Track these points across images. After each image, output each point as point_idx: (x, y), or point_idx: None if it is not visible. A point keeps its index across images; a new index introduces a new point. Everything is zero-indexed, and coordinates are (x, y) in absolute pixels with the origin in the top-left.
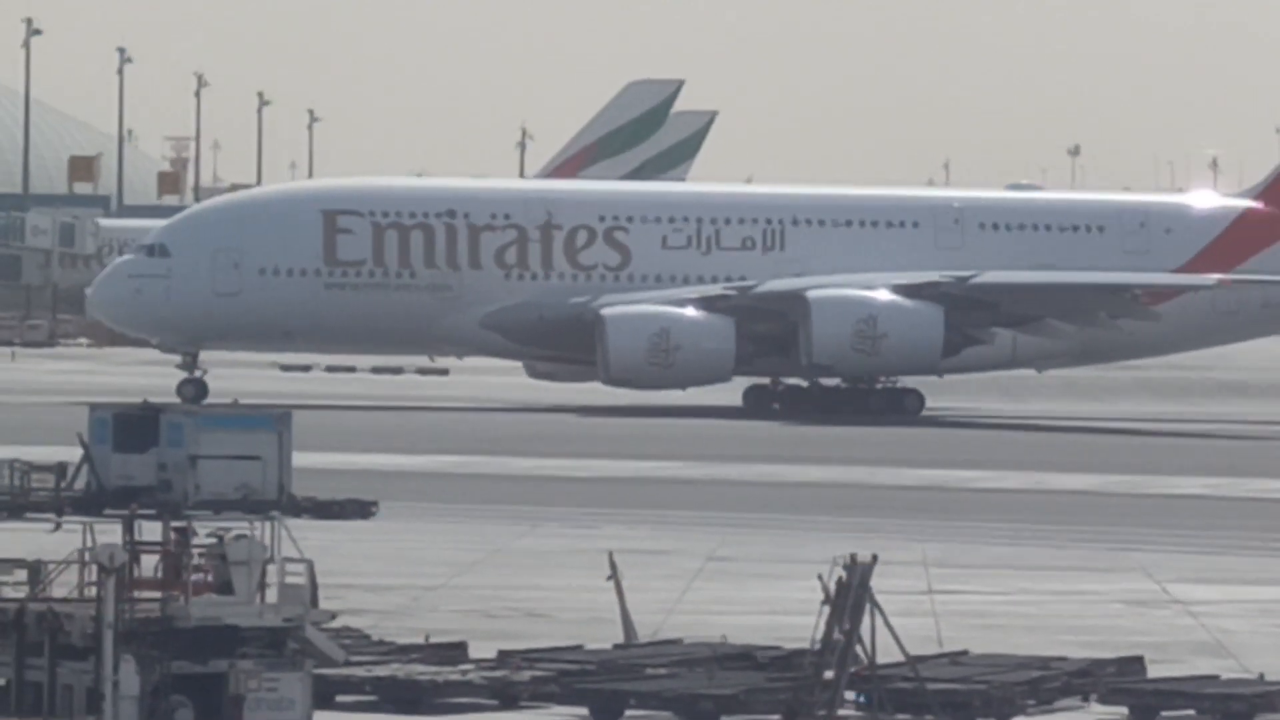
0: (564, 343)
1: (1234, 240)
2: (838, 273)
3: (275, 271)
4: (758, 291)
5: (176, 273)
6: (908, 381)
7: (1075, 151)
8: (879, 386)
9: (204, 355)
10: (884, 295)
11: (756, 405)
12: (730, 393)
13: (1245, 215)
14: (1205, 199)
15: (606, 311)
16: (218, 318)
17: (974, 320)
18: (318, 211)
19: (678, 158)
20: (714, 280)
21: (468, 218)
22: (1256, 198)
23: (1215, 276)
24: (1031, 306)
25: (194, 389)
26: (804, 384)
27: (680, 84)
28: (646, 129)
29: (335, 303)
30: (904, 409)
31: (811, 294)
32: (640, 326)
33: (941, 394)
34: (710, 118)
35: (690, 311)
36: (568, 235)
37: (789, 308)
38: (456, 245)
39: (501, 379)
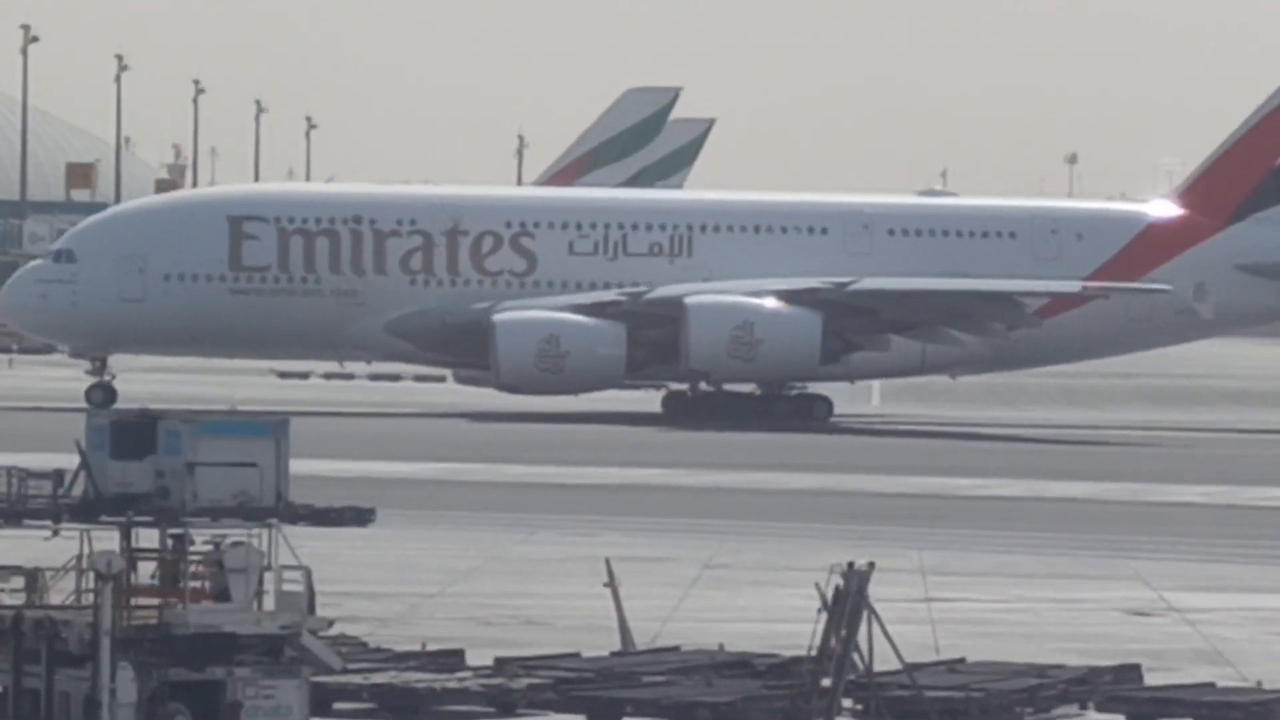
0: (468, 349)
1: (1148, 245)
2: (744, 279)
3: (180, 277)
4: (648, 297)
5: (82, 278)
6: (818, 387)
7: (1073, 159)
8: (792, 393)
9: (202, 362)
10: (761, 301)
11: (676, 412)
12: (650, 400)
13: (1159, 221)
14: (1125, 206)
15: (497, 317)
16: (123, 323)
17: (854, 326)
18: (223, 217)
19: (675, 165)
20: (620, 286)
21: (374, 224)
22: (1172, 203)
23: (1080, 283)
24: (910, 313)
25: (103, 394)
26: (708, 389)
27: (678, 91)
28: (644, 136)
29: (241, 308)
30: (812, 415)
31: (689, 300)
32: (530, 332)
33: (940, 402)
34: (708, 125)
35: (580, 318)
36: (474, 241)
37: (675, 313)
38: (362, 251)
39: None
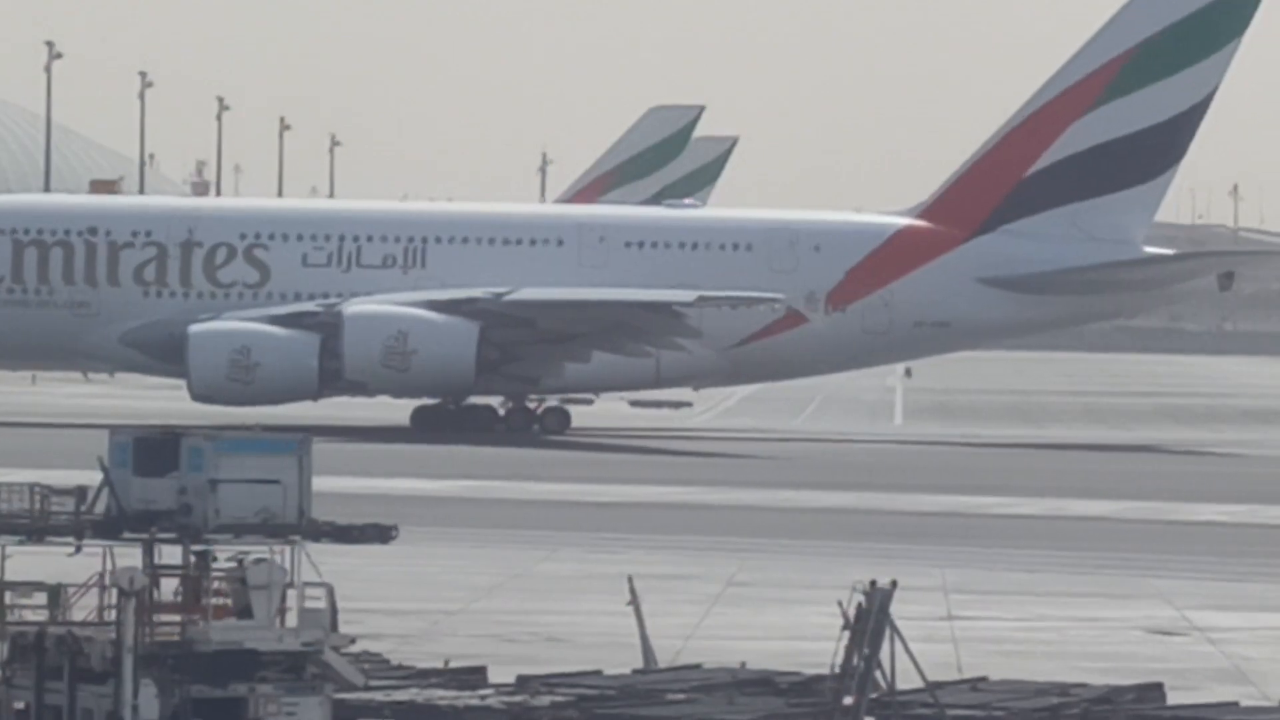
0: None
1: (888, 257)
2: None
3: None
4: (339, 309)
5: None
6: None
7: None
8: (533, 406)
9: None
10: (417, 312)
11: (424, 426)
12: (401, 412)
13: (901, 233)
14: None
15: (191, 329)
16: None
17: (512, 337)
18: None
19: (698, 183)
20: (355, 298)
21: (109, 235)
22: (919, 215)
23: (695, 294)
24: (568, 323)
25: None
26: (435, 400)
27: (701, 110)
28: (667, 154)
29: None
30: (549, 428)
31: (346, 310)
32: (221, 344)
33: (953, 419)
34: (731, 143)
35: (273, 329)
36: (208, 253)
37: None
38: (96, 262)
39: None
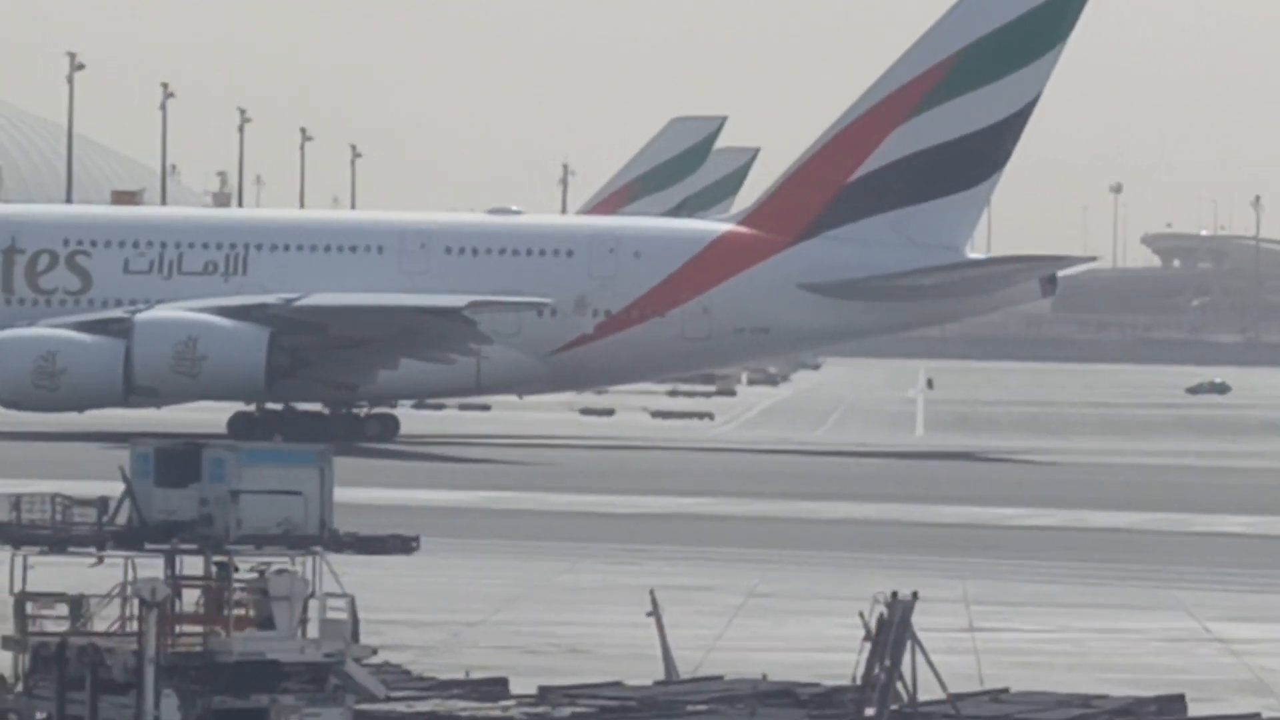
0: None
1: (709, 264)
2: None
3: None
4: (132, 315)
5: None
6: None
7: (1118, 189)
8: (361, 412)
9: None
10: (208, 318)
11: (241, 432)
12: (220, 415)
13: (722, 239)
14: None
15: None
16: None
17: (304, 343)
18: None
19: (720, 194)
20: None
21: None
22: (741, 222)
23: (468, 298)
24: (360, 329)
25: None
26: (275, 408)
27: (723, 121)
28: (689, 165)
29: None
30: (374, 434)
31: (137, 317)
32: (27, 350)
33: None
34: (753, 154)
35: (79, 335)
36: (30, 259)
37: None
38: None
39: (543, 415)
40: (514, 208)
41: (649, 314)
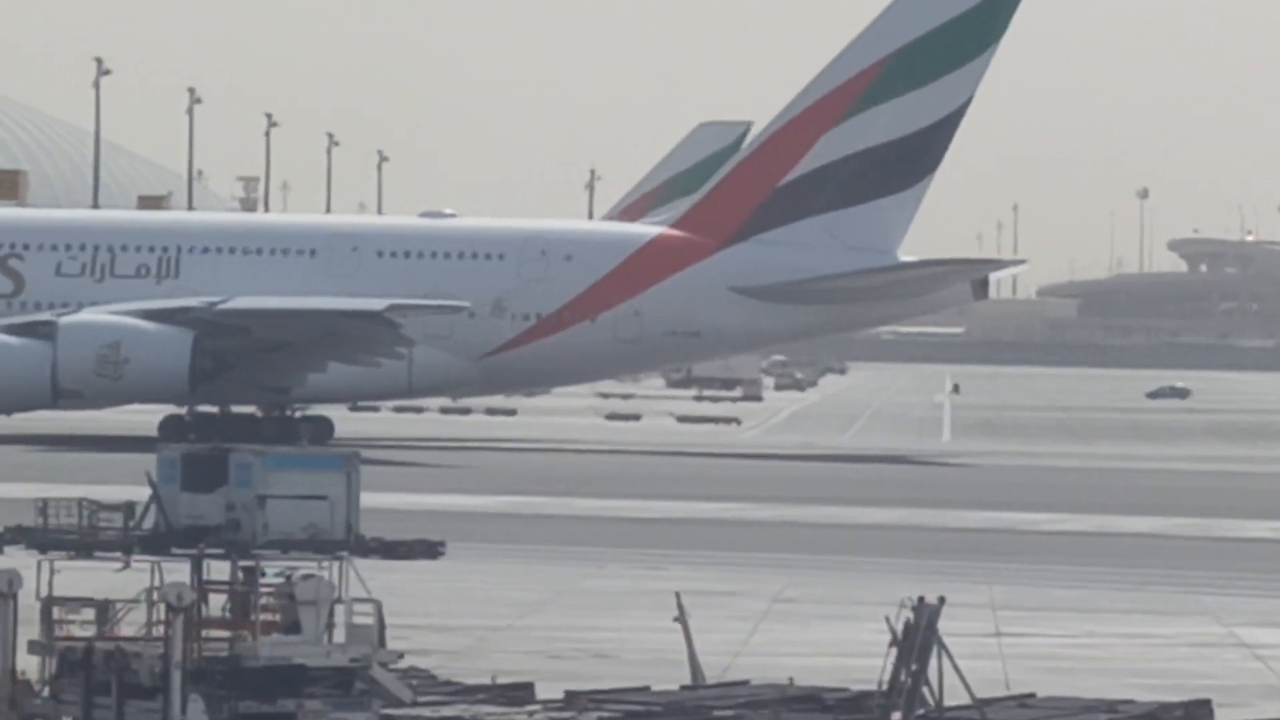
0: None
1: (640, 267)
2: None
3: None
4: (56, 319)
5: None
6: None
7: (1144, 194)
8: (295, 414)
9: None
10: (131, 321)
11: (171, 435)
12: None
13: (654, 242)
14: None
15: None
16: None
17: (227, 346)
18: None
19: None
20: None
21: None
22: (674, 225)
23: (386, 301)
24: (282, 332)
25: None
26: (215, 410)
27: (749, 126)
28: (715, 170)
29: None
30: (311, 437)
31: (61, 320)
32: None
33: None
34: None
35: (7, 338)
36: None
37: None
38: None
39: (569, 420)
40: (447, 211)
41: (580, 317)
